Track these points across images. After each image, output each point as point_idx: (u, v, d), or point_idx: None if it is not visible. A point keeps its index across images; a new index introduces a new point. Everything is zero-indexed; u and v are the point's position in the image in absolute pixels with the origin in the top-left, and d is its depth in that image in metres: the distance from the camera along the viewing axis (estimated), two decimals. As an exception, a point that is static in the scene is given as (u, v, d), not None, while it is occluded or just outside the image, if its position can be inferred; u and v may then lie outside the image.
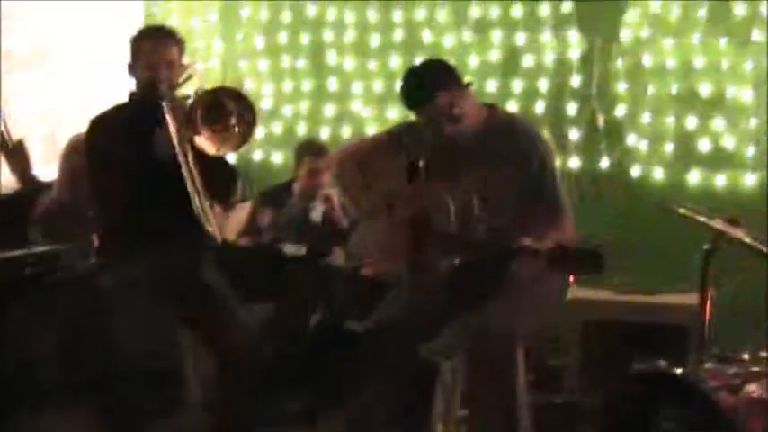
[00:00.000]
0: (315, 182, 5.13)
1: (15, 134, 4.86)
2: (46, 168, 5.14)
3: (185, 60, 4.01)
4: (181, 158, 3.58)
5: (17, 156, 4.85)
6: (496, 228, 3.47)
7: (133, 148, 3.65)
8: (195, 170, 3.66)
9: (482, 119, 3.64)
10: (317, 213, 5.15)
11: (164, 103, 3.65)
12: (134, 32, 3.90)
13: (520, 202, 3.54)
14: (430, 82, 3.55)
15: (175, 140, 3.59)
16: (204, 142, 3.60)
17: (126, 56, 3.89)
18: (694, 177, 5.31)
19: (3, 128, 4.83)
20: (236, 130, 3.63)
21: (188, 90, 3.94)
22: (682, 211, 3.76)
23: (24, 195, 4.82)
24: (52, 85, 5.48)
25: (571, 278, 3.56)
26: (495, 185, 3.55)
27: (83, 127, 4.00)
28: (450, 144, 3.59)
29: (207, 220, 3.64)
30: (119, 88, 4.02)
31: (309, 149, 5.26)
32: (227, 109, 3.63)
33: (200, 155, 3.65)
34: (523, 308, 3.56)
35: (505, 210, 3.53)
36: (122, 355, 3.53)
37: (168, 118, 3.62)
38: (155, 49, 3.78)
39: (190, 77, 4.05)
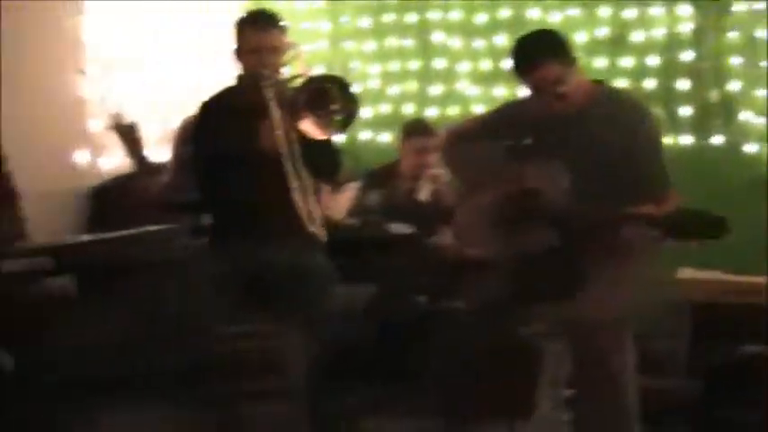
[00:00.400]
0: (422, 161, 5.12)
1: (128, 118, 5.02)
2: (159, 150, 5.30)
3: (288, 42, 4.05)
4: (284, 148, 3.63)
5: (130, 138, 4.98)
6: (602, 203, 3.43)
7: (238, 134, 3.71)
8: (299, 154, 3.70)
9: (588, 95, 3.61)
10: (424, 193, 5.13)
11: (267, 90, 3.70)
12: (237, 18, 3.95)
13: (625, 178, 3.50)
14: (539, 50, 3.54)
15: (279, 127, 3.64)
16: (308, 126, 3.64)
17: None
18: (813, 154, 5.15)
19: (116, 111, 4.98)
20: (338, 116, 3.66)
21: (292, 71, 4.01)
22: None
23: (139, 176, 4.96)
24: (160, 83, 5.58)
25: (693, 243, 3.43)
26: (602, 161, 3.51)
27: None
28: (557, 120, 3.56)
29: (310, 219, 3.65)
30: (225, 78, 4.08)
31: (416, 129, 5.25)
32: (331, 96, 3.66)
33: (304, 136, 3.68)
34: (631, 289, 3.51)
35: (612, 186, 3.49)
36: (218, 340, 3.58)
37: (272, 104, 3.66)
38: (257, 34, 3.82)
39: (293, 59, 4.09)
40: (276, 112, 3.66)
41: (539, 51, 3.54)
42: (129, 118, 5.05)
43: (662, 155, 3.57)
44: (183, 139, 4.56)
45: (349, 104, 3.67)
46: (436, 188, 5.04)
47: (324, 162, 3.88)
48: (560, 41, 3.60)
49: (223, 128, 3.78)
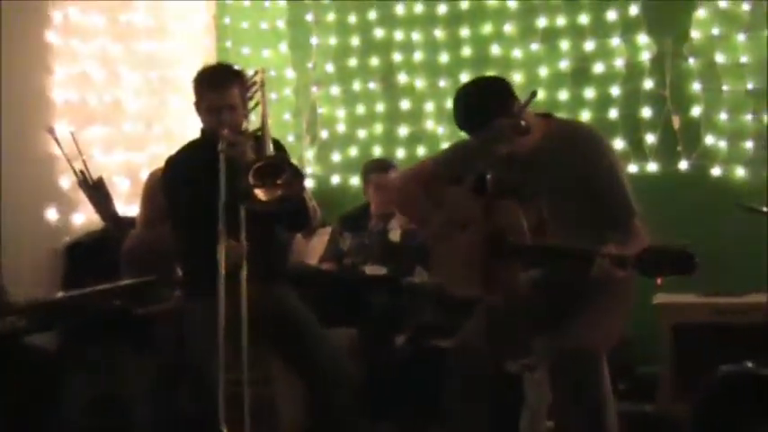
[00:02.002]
0: (386, 198, 5.15)
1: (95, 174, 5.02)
2: (129, 205, 5.30)
3: (254, 71, 4.07)
4: (221, 203, 3.67)
5: (98, 194, 4.98)
6: (567, 237, 3.44)
7: (200, 188, 3.75)
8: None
9: (539, 131, 3.55)
10: (395, 233, 5.16)
11: (221, 150, 3.73)
12: (196, 73, 3.96)
13: (588, 210, 3.50)
14: (474, 116, 3.48)
15: (222, 188, 3.69)
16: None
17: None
18: (777, 173, 5.21)
19: (83, 168, 4.98)
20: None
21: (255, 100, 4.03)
22: (765, 209, 3.71)
23: (110, 232, 4.95)
24: (128, 138, 5.60)
25: (659, 281, 3.44)
26: (561, 195, 3.50)
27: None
28: (511, 159, 3.56)
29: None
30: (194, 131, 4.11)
31: (374, 167, 5.32)
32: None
33: None
34: (605, 317, 3.52)
35: (574, 219, 3.50)
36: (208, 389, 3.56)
37: (222, 165, 3.71)
38: (214, 94, 3.81)
39: (257, 88, 4.11)
40: (223, 172, 3.70)
41: (474, 118, 3.48)
42: (97, 174, 5.04)
43: (622, 183, 3.51)
44: (152, 193, 4.56)
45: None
46: (408, 227, 5.06)
47: (292, 214, 3.90)
48: (492, 101, 3.48)
49: (187, 182, 3.81)
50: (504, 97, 3.50)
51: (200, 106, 3.88)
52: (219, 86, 3.81)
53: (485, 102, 3.49)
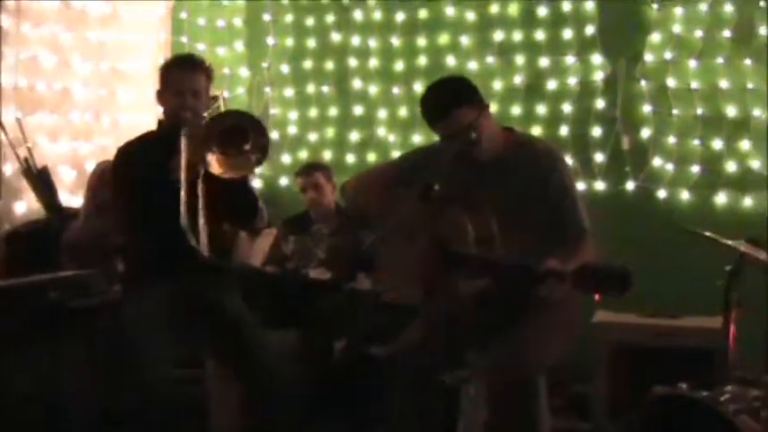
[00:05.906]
0: (314, 198, 5.18)
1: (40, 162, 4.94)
2: (73, 196, 5.23)
3: (213, 90, 4.03)
4: (183, 178, 3.58)
5: (42, 183, 4.90)
6: (517, 251, 3.44)
7: (153, 175, 3.68)
8: (205, 197, 3.65)
9: (500, 141, 3.63)
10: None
11: (183, 130, 3.68)
12: (163, 61, 3.93)
13: (539, 225, 3.52)
14: (450, 97, 3.54)
15: (183, 165, 3.60)
16: (214, 163, 3.56)
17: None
18: (721, 199, 5.26)
19: (27, 155, 4.90)
20: (250, 156, 3.60)
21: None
22: (707, 233, 3.74)
23: (52, 222, 4.88)
24: (75, 127, 5.52)
25: (597, 297, 3.46)
26: (514, 208, 3.53)
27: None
28: (467, 167, 3.57)
29: (193, 235, 3.57)
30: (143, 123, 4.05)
31: (300, 170, 5.35)
32: (242, 134, 3.60)
33: (222, 181, 3.63)
34: (546, 335, 3.53)
35: (525, 233, 3.52)
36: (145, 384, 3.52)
37: (184, 144, 3.63)
38: (181, 77, 3.80)
39: (218, 108, 4.08)
40: (185, 151, 3.62)
41: (449, 99, 3.53)
42: (42, 162, 4.97)
43: (574, 200, 3.56)
44: (99, 184, 4.51)
45: (261, 143, 3.60)
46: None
47: (240, 207, 3.85)
48: (470, 88, 3.60)
49: (139, 169, 3.76)
50: (469, 93, 3.56)
51: (165, 91, 3.85)
52: (189, 70, 3.82)
53: (449, 93, 3.56)
